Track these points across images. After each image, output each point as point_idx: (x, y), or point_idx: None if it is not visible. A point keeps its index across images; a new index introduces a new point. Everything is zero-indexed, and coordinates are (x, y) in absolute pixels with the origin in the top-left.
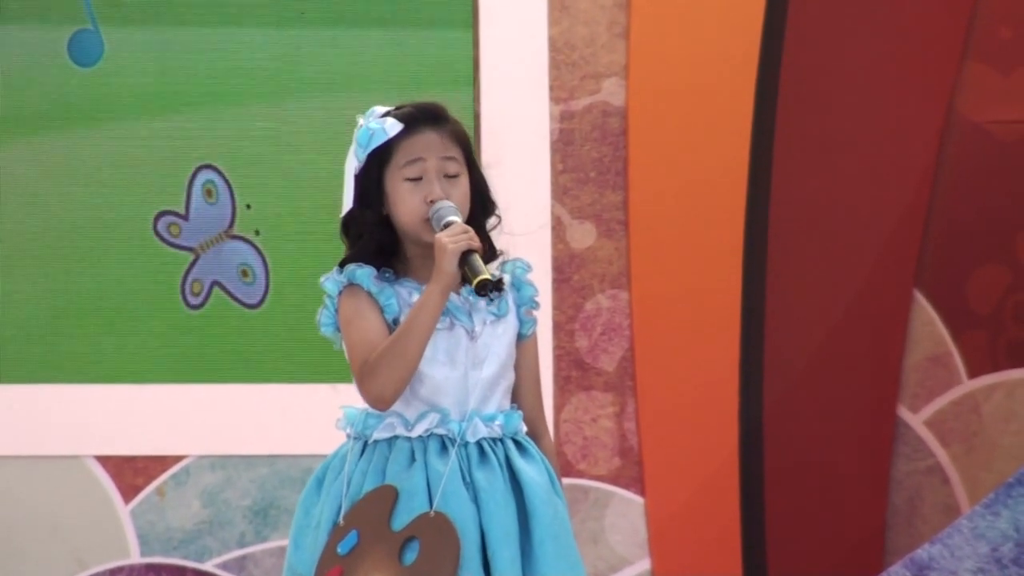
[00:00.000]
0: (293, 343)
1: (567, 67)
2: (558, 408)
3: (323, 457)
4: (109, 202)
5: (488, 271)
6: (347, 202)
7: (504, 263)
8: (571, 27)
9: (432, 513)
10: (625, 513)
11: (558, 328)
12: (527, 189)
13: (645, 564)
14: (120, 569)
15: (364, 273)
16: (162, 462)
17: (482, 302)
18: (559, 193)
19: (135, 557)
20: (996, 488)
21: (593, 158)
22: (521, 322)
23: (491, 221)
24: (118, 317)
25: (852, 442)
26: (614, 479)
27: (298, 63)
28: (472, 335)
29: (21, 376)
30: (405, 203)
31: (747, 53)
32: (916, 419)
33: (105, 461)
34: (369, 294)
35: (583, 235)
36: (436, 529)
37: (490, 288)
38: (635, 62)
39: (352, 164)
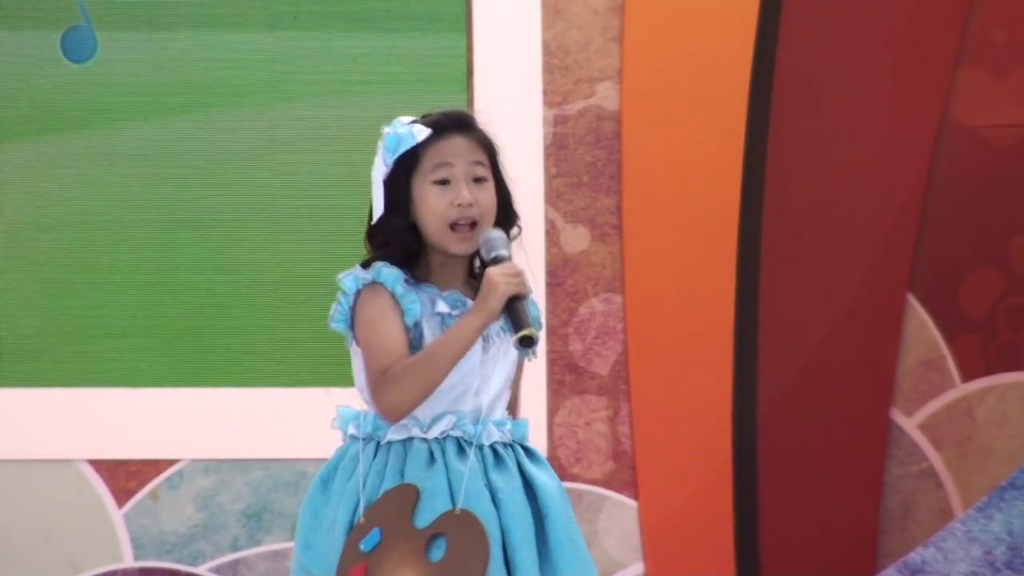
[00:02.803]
0: (287, 347)
1: (561, 71)
2: (551, 412)
3: (317, 461)
4: (104, 203)
5: (531, 325)
6: (377, 209)
7: None
8: (565, 31)
9: (458, 511)
10: (619, 517)
11: (551, 332)
12: (521, 193)
13: (639, 568)
14: (113, 573)
15: (392, 274)
16: (155, 466)
17: None
18: (552, 197)
19: (128, 561)
20: (989, 491)
21: (587, 162)
22: None
23: (512, 232)
24: (112, 320)
25: (845, 445)
26: (607, 483)
27: (292, 67)
28: (486, 344)
29: (14, 380)
30: (431, 206)
31: (741, 57)
32: (909, 423)
33: (98, 465)
34: (392, 295)
35: (577, 239)
36: (464, 526)
37: (531, 344)
38: (629, 66)
39: (380, 170)
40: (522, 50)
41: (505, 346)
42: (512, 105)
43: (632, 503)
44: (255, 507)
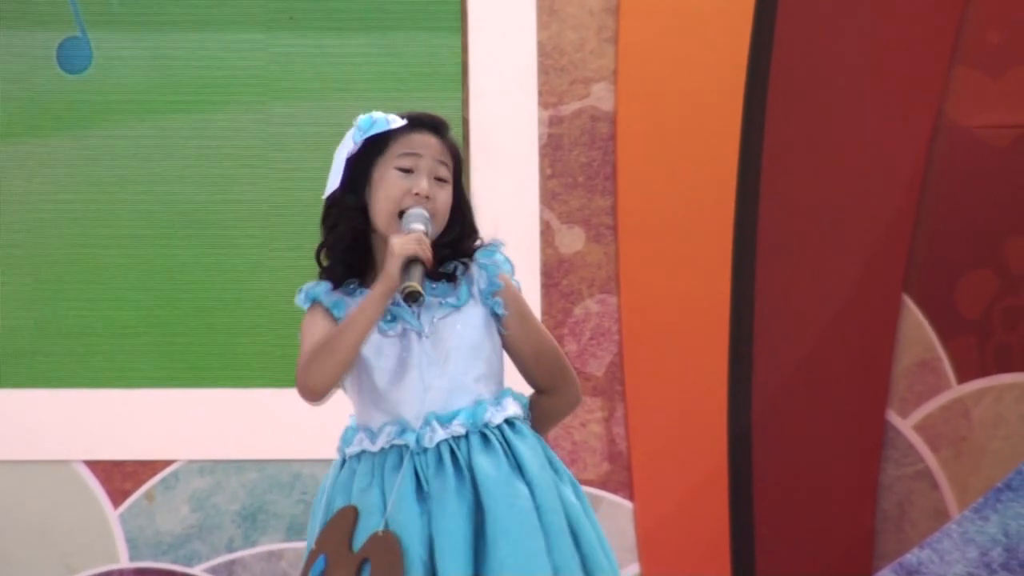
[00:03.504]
0: (283, 347)
1: (556, 72)
2: None
3: (312, 462)
4: (99, 207)
5: (419, 284)
6: (332, 184)
7: (478, 247)
8: (560, 32)
9: (381, 532)
10: (614, 517)
11: None
12: (516, 194)
13: (634, 568)
14: (109, 574)
15: (320, 289)
16: (151, 467)
17: (435, 299)
18: (548, 198)
19: (124, 562)
20: (985, 493)
21: (582, 163)
22: (493, 305)
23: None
24: (108, 321)
25: (841, 447)
26: (603, 483)
27: (288, 68)
28: (421, 335)
29: (10, 380)
30: (388, 187)
31: (736, 58)
32: (905, 424)
33: (94, 466)
34: (326, 309)
35: (572, 240)
36: (383, 548)
37: (416, 299)
38: (624, 67)
39: (347, 147)
40: (517, 51)
41: (452, 327)
42: (507, 106)
43: (627, 504)
44: (250, 508)
